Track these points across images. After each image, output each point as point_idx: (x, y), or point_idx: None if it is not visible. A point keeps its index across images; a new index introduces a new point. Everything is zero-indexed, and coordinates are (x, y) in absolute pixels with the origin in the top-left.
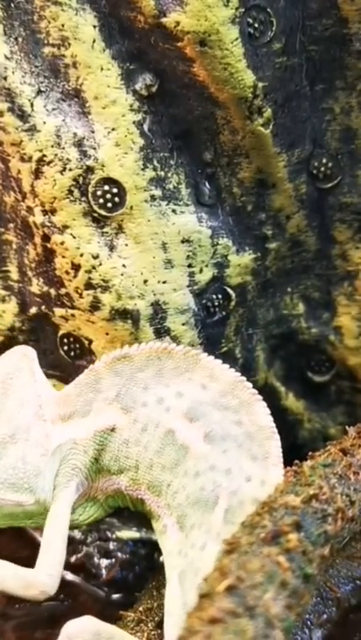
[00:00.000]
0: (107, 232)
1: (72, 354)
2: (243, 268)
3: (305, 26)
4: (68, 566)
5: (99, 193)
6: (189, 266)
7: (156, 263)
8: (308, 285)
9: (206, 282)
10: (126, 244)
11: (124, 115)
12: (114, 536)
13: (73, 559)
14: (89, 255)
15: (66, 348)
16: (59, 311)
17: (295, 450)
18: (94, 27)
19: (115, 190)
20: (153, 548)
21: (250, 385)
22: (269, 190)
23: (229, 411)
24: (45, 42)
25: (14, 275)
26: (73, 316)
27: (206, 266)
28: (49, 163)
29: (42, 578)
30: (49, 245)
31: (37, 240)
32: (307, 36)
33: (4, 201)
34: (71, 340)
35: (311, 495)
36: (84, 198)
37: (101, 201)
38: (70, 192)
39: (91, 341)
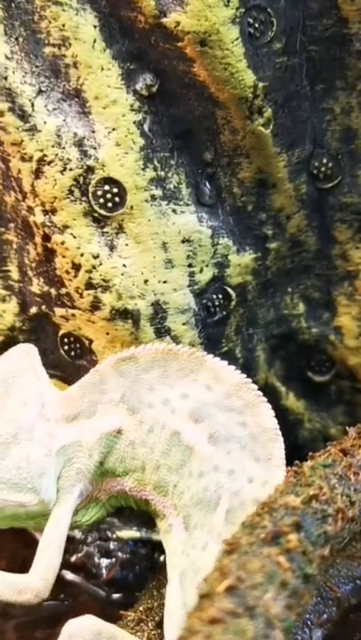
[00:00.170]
0: (107, 232)
1: (72, 354)
2: (243, 268)
3: (305, 26)
4: (68, 566)
5: (99, 193)
6: (190, 266)
7: (157, 263)
8: (308, 285)
9: (207, 282)
10: (127, 244)
11: (124, 115)
12: (114, 536)
13: (73, 559)
14: (89, 255)
15: (66, 347)
16: (59, 311)
17: (295, 450)
18: (95, 27)
19: (115, 190)
20: (153, 547)
21: (255, 387)
22: (270, 190)
23: (234, 412)
24: (46, 42)
25: (15, 274)
26: (73, 315)
27: (207, 266)
28: (49, 162)
29: (36, 581)
30: (49, 245)
31: (38, 240)
32: (307, 36)
33: (5, 201)
34: (71, 339)
35: (311, 496)
36: (84, 198)
37: (102, 201)
38: (71, 192)
39: (91, 341)
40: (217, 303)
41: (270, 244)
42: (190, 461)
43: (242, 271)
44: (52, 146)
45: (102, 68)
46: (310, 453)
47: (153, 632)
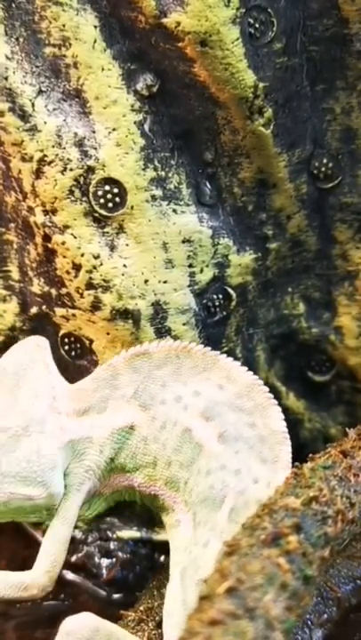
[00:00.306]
0: (107, 232)
1: (73, 354)
2: (243, 268)
3: (306, 26)
4: (68, 566)
5: (99, 193)
6: (190, 266)
7: (157, 263)
8: (308, 285)
9: (207, 282)
10: (127, 244)
11: (124, 115)
12: (114, 536)
13: (73, 559)
14: (90, 255)
15: (67, 347)
16: (59, 311)
17: (296, 450)
18: (95, 27)
19: (115, 190)
20: (153, 547)
21: (266, 389)
22: (270, 190)
23: (244, 413)
24: (46, 42)
25: (15, 274)
26: (74, 315)
27: (207, 266)
28: (50, 163)
29: (40, 576)
30: (50, 245)
31: (38, 240)
32: (307, 37)
33: (5, 201)
34: (72, 339)
35: (311, 497)
36: (84, 198)
37: (102, 201)
38: (71, 192)
39: (91, 341)
40: (217, 303)
41: (271, 244)
42: (199, 459)
43: (242, 271)
44: (53, 146)
45: (103, 69)
46: (310, 455)
47: (153, 632)
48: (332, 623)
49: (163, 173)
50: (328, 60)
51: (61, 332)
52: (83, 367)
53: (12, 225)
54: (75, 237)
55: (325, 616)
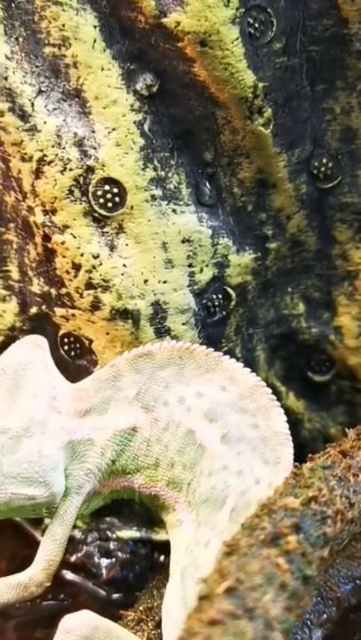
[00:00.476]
0: (107, 232)
1: (72, 354)
2: (243, 268)
3: (305, 26)
4: (68, 566)
5: (99, 193)
6: (190, 266)
7: (157, 263)
8: (308, 285)
9: (207, 282)
10: (127, 244)
11: (124, 115)
12: (114, 536)
13: (73, 559)
14: (89, 255)
15: (66, 347)
16: (59, 311)
17: (295, 450)
18: (95, 27)
19: (115, 190)
20: (153, 547)
21: (269, 390)
22: (270, 190)
23: (247, 414)
24: (46, 42)
25: (15, 274)
26: (73, 315)
27: (207, 266)
28: (49, 162)
29: (38, 574)
30: (49, 245)
31: (38, 240)
32: (307, 37)
33: (5, 201)
34: (71, 339)
35: (310, 497)
36: (84, 198)
37: (102, 201)
38: (71, 192)
39: (91, 341)
40: (217, 303)
41: (270, 244)
42: (202, 460)
43: (242, 271)
44: (52, 146)
45: (102, 68)
46: (310, 455)
47: (153, 632)
48: (332, 623)
49: (162, 173)
50: (328, 60)
51: (61, 332)
52: (82, 367)
53: (12, 225)
54: (74, 237)
55: (325, 616)
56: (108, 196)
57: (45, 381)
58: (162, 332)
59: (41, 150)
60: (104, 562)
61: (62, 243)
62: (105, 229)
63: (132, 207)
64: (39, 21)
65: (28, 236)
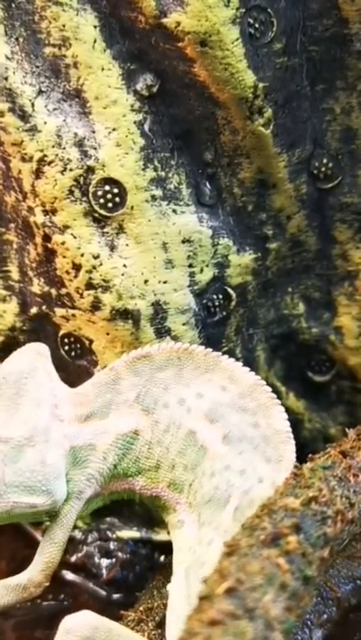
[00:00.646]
0: (107, 232)
1: (73, 354)
2: (243, 268)
3: (305, 26)
4: (68, 566)
5: (99, 193)
6: (190, 266)
7: (157, 263)
8: (308, 285)
9: (207, 282)
10: (127, 244)
11: (124, 115)
12: (114, 536)
13: (73, 559)
14: (90, 255)
15: (66, 348)
16: (59, 311)
17: (296, 450)
18: (95, 27)
19: (115, 190)
20: (153, 547)
21: (269, 389)
22: (270, 190)
23: (247, 413)
24: (46, 42)
25: (15, 275)
26: (74, 316)
27: (207, 266)
28: (50, 163)
29: (36, 575)
30: (50, 245)
31: (38, 240)
32: (307, 37)
33: (5, 201)
34: (72, 340)
35: (311, 497)
36: (84, 198)
37: (102, 201)
38: (71, 192)
39: (91, 341)
40: (217, 303)
41: (270, 244)
42: (204, 461)
43: (242, 271)
44: (53, 146)
45: (103, 69)
46: (310, 455)
47: (153, 632)
48: (332, 623)
49: (163, 173)
50: (328, 60)
51: (61, 333)
52: (82, 367)
53: (12, 225)
54: (75, 237)
55: (325, 616)
56: (109, 196)
57: (47, 390)
58: (162, 332)
59: (41, 150)
60: (104, 562)
61: (62, 243)
62: (105, 229)
63: (132, 207)
64: (39, 21)
65: (28, 237)
